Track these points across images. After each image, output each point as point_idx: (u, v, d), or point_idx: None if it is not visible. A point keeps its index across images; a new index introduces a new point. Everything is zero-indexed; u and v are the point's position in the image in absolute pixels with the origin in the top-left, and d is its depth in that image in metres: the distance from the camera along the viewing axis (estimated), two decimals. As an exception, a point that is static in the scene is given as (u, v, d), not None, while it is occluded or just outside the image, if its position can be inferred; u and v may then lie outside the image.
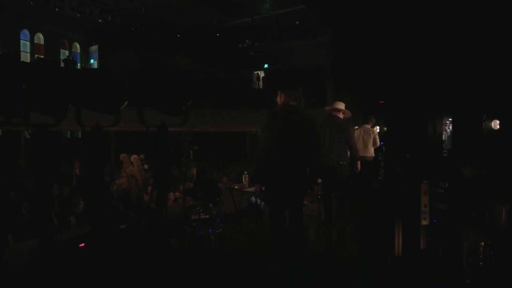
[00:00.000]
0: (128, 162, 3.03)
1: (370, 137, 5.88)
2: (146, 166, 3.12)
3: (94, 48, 15.41)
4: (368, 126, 6.07)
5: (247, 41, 14.61)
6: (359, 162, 4.14)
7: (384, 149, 6.52)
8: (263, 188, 2.90)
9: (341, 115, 4.07)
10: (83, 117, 1.52)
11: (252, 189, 4.28)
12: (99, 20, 11.28)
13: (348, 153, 4.04)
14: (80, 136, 14.37)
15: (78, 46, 15.51)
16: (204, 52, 14.29)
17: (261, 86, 15.09)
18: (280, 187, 2.77)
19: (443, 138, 8.63)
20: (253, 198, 5.42)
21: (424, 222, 2.53)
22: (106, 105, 1.42)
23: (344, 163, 3.90)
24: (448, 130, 8.93)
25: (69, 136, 15.54)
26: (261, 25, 12.79)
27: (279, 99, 2.90)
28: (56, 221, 4.94)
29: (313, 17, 11.38)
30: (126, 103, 1.42)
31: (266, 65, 15.86)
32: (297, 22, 12.60)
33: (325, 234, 3.96)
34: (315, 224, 4.68)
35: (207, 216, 3.73)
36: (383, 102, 10.03)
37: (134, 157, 3.07)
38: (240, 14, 11.80)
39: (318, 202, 5.65)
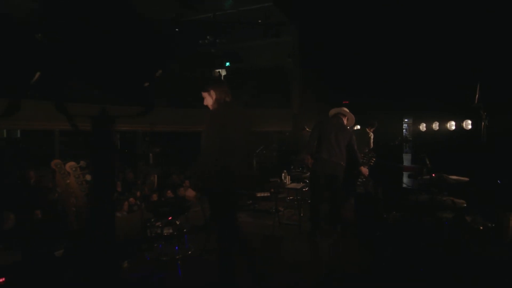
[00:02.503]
0: (63, 172, 2.31)
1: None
2: (88, 177, 2.42)
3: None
4: (367, 130, 6.11)
5: (208, 37, 14.07)
6: (363, 167, 4.23)
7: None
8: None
9: (345, 120, 4.16)
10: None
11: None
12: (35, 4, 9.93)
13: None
14: (18, 136, 12.27)
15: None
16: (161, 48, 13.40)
17: (222, 85, 14.62)
18: (234, 188, 2.57)
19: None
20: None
21: None
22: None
23: (344, 164, 3.99)
24: (405, 131, 8.94)
25: (5, 136, 13.20)
26: (224, 21, 12.34)
27: (211, 97, 2.74)
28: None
29: (277, 16, 11.22)
30: (38, 74, 0.78)
31: (227, 63, 15.40)
32: (259, 21, 12.33)
33: (312, 244, 3.63)
34: (297, 234, 4.27)
35: (174, 232, 3.05)
36: (347, 102, 10.01)
37: (70, 165, 2.35)
38: (201, 9, 11.22)
39: (296, 208, 5.14)
